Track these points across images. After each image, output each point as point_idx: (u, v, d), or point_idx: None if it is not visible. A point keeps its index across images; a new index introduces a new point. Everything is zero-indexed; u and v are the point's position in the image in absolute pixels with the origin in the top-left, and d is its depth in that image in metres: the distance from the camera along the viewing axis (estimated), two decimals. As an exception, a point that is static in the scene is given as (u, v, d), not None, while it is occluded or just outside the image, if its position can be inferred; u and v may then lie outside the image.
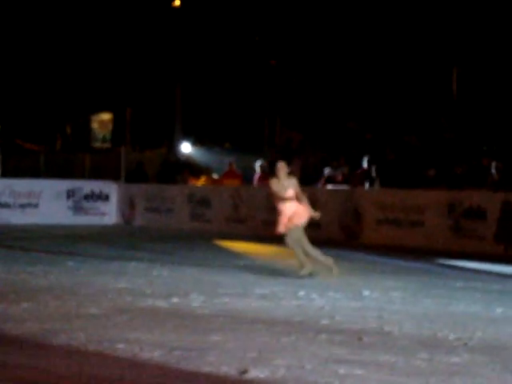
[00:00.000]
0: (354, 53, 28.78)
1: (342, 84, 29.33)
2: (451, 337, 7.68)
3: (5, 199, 23.47)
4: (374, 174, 20.26)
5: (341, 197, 19.47)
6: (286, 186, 12.41)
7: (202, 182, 25.09)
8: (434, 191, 18.04)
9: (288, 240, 12.38)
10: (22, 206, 23.63)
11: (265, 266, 13.79)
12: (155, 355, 6.55)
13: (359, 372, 6.20)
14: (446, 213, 17.10)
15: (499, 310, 9.42)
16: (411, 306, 9.59)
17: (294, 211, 12.37)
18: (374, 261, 15.14)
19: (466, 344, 7.37)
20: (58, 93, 35.97)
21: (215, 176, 25.51)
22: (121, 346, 6.86)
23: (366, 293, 10.55)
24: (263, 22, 31.70)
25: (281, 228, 12.41)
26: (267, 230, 20.60)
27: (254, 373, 6.04)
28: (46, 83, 36.15)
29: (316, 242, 18.34)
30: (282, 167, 12.51)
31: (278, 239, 18.82)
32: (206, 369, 6.14)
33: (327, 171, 21.19)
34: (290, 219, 12.34)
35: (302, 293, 10.36)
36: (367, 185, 20.32)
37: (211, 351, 6.75)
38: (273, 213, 20.69)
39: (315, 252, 12.44)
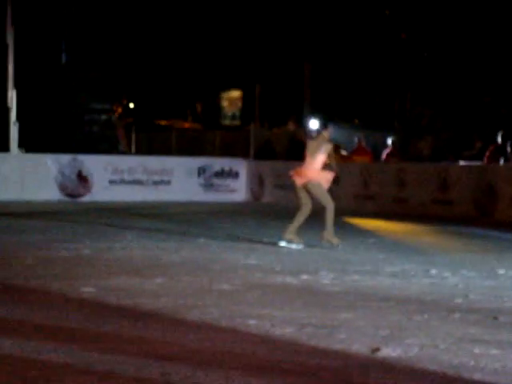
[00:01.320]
0: (484, 24, 27.98)
1: (474, 58, 28.58)
2: None
3: (138, 176, 24.05)
4: (508, 149, 19.71)
5: (474, 173, 19.03)
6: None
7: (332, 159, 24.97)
8: None
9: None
10: (155, 183, 24.16)
11: (395, 244, 13.64)
12: (286, 332, 6.56)
13: (495, 352, 6.04)
14: None
15: None
16: (549, 286, 9.28)
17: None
18: (509, 238, 14.73)
19: None
20: (188, 71, 36.52)
21: (344, 152, 25.34)
22: (252, 321, 6.91)
23: (501, 271, 10.27)
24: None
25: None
26: (397, 207, 20.44)
27: (386, 351, 5.97)
28: (177, 62, 36.75)
29: (449, 218, 18.11)
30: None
31: (409, 217, 18.64)
32: (337, 346, 6.11)
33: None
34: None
35: (433, 271, 10.18)
36: (502, 161, 19.79)
37: (342, 329, 6.71)
38: (402, 189, 20.59)
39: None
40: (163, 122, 34.60)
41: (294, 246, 12.55)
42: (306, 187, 12.80)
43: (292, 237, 12.72)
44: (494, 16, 27.74)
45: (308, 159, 12.96)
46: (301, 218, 12.83)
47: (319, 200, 12.73)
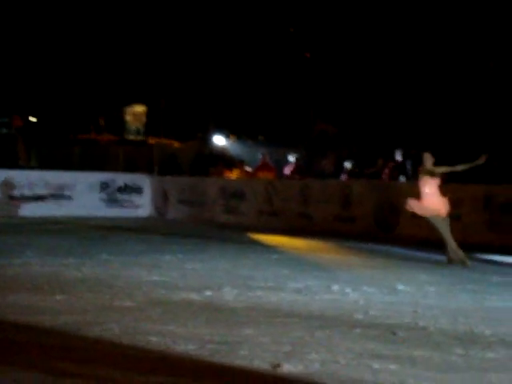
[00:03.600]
0: (389, 44, 28.59)
1: (375, 76, 29.14)
2: (487, 332, 7.59)
3: (39, 191, 23.63)
4: (408, 166, 20.13)
5: (376, 190, 19.36)
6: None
7: (235, 174, 25.08)
8: (469, 185, 17.87)
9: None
10: (57, 198, 23.78)
11: (298, 260, 13.74)
12: (188, 348, 6.53)
13: (393, 367, 6.13)
14: (482, 207, 16.94)
15: (535, 306, 9.30)
16: (446, 301, 9.50)
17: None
18: (409, 255, 15.02)
19: (502, 339, 7.28)
20: (92, 85, 36.15)
21: (249, 169, 25.49)
22: (154, 338, 6.85)
23: (401, 287, 10.46)
24: (297, 13, 31.58)
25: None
26: (301, 223, 20.63)
27: (287, 367, 6.00)
28: (80, 76, 36.33)
29: (351, 235, 18.36)
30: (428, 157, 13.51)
31: (311, 233, 18.82)
32: (239, 362, 6.11)
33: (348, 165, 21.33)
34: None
35: (336, 287, 10.30)
36: (401, 178, 20.19)
37: (244, 345, 6.72)
38: (306, 206, 20.81)
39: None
40: (71, 136, 34.11)
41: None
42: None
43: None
44: (395, 34, 28.35)
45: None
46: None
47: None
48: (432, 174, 13.41)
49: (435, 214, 13.34)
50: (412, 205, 13.63)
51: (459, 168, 13.76)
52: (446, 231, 13.32)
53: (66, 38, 36.02)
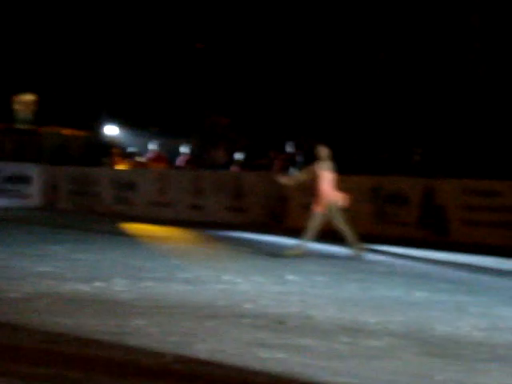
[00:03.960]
0: (281, 34, 28.80)
1: (269, 68, 29.34)
2: (372, 320, 7.77)
3: None
4: (299, 158, 20.36)
5: (267, 181, 19.52)
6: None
7: (126, 165, 24.86)
8: (357, 176, 18.21)
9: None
10: None
11: (189, 251, 13.75)
12: (76, 339, 6.46)
13: (281, 355, 6.22)
14: (370, 198, 17.30)
15: (419, 295, 9.57)
16: (334, 291, 9.67)
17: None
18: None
19: (386, 328, 7.47)
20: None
21: (141, 159, 25.30)
22: (41, 329, 6.75)
23: (290, 277, 10.60)
24: (191, 4, 31.48)
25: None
26: (193, 214, 20.63)
27: (172, 358, 6.00)
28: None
29: (242, 225, 18.46)
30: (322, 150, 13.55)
31: (204, 224, 18.84)
32: (127, 353, 6.08)
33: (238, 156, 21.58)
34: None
35: (226, 277, 10.35)
36: (291, 170, 20.41)
37: (133, 336, 6.69)
38: (198, 197, 20.82)
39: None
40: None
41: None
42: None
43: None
44: (291, 27, 28.58)
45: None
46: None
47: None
48: (328, 169, 13.49)
49: (334, 204, 13.42)
50: (314, 202, 13.63)
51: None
52: (343, 222, 13.44)
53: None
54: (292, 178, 13.83)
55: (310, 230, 13.25)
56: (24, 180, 24.16)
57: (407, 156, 18.69)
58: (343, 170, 18.28)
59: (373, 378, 5.67)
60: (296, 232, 17.03)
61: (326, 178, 13.46)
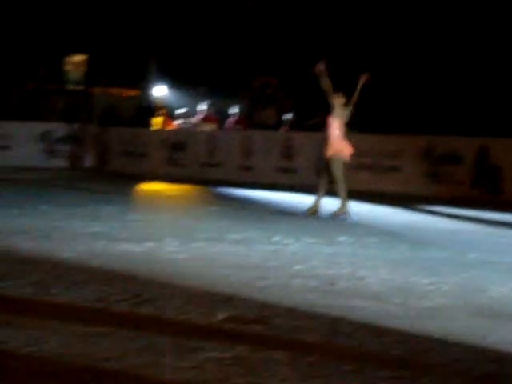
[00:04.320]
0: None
1: (318, 27, 29.07)
2: (424, 282, 7.71)
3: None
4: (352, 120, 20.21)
5: (316, 142, 19.40)
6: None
7: (175, 125, 24.90)
8: (410, 136, 18.04)
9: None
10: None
11: (239, 211, 13.78)
12: (123, 300, 6.51)
13: (331, 316, 6.20)
14: (422, 158, 17.14)
15: (472, 255, 9.48)
16: (385, 252, 9.62)
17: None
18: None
19: (438, 289, 7.41)
20: (32, 35, 35.46)
21: (192, 120, 25.30)
22: (89, 289, 6.82)
23: (341, 238, 10.56)
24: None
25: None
26: (243, 175, 20.64)
27: (221, 315, 6.01)
28: (19, 27, 35.59)
29: (291, 186, 18.44)
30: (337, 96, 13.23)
31: (251, 185, 18.86)
32: (175, 313, 6.11)
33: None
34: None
35: (276, 238, 10.35)
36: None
37: (184, 296, 6.72)
38: (248, 158, 20.82)
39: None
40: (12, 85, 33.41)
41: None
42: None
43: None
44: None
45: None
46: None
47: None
48: (342, 114, 13.19)
49: (338, 155, 13.14)
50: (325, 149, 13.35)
51: (355, 98, 13.37)
52: (342, 175, 13.17)
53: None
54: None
55: (342, 181, 12.99)
56: (75, 141, 24.37)
57: (461, 114, 18.45)
58: (395, 128, 18.12)
59: (425, 338, 5.63)
60: (347, 193, 16.98)
61: (335, 127, 13.18)
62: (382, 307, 6.62)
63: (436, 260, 9.14)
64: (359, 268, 8.35)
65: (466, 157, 16.53)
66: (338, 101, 13.17)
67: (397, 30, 25.66)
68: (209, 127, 23.17)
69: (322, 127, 20.69)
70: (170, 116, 24.93)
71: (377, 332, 5.76)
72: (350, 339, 5.54)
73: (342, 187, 12.90)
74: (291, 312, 6.29)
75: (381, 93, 22.09)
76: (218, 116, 23.97)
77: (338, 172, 12.94)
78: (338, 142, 13.05)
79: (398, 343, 5.48)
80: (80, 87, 32.99)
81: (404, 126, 19.21)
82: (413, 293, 7.21)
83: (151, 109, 26.05)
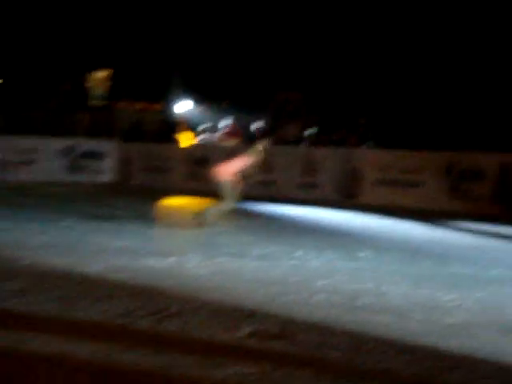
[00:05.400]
0: (353, 13, 28.54)
1: (341, 42, 29.12)
2: (447, 297, 7.69)
3: (3, 156, 23.40)
4: (371, 134, 20.23)
5: (338, 157, 19.42)
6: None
7: (196, 140, 24.97)
8: (432, 152, 18.02)
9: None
10: (19, 164, 23.57)
11: (262, 226, 13.79)
12: (149, 315, 6.54)
13: (354, 332, 6.19)
14: (444, 174, 17.10)
15: (495, 271, 9.43)
16: (408, 267, 9.60)
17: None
18: (369, 222, 15.12)
19: (462, 305, 7.38)
20: (57, 50, 35.78)
21: (215, 135, 25.35)
22: (113, 304, 6.85)
23: (362, 253, 10.55)
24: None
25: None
26: (263, 190, 20.67)
27: (244, 331, 6.02)
28: (43, 43, 35.93)
29: (313, 201, 18.44)
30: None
31: (273, 200, 18.87)
32: (198, 328, 6.13)
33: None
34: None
35: (298, 253, 10.36)
36: (365, 146, 20.30)
37: (205, 311, 6.74)
38: (267, 173, 20.84)
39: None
40: (36, 100, 33.71)
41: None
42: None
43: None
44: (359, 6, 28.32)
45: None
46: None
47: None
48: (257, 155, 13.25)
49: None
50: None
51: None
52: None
53: (31, 5, 35.55)
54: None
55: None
56: (98, 156, 24.51)
57: (484, 130, 18.42)
58: (417, 144, 18.10)
59: (448, 356, 5.62)
60: (369, 208, 16.97)
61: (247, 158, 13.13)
62: (405, 323, 6.60)
63: (459, 276, 9.10)
64: (381, 283, 8.34)
65: (488, 173, 16.48)
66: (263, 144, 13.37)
67: (423, 49, 25.67)
68: (232, 142, 23.20)
69: (345, 142, 20.78)
70: (193, 130, 25.03)
71: (400, 348, 5.76)
72: (373, 356, 5.54)
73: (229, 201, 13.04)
74: (314, 327, 6.29)
75: (404, 108, 22.09)
76: (241, 131, 24.01)
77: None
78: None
79: (421, 360, 5.48)
80: (104, 102, 33.24)
81: (426, 142, 19.20)
82: (436, 309, 7.20)
83: (174, 124, 26.19)
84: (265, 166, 20.90)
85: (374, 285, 8.26)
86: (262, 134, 22.80)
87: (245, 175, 13.14)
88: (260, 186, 20.89)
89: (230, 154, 13.30)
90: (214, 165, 13.17)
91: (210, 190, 21.05)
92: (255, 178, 20.92)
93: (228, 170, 13.01)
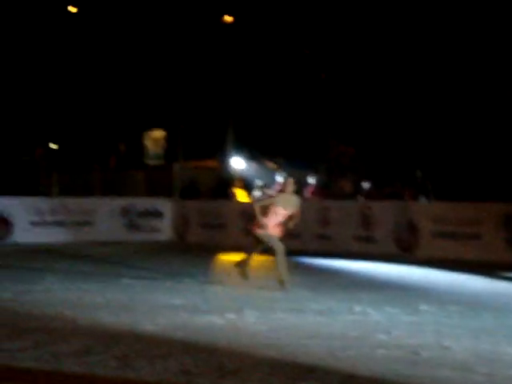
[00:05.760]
0: (404, 66, 28.61)
1: (393, 95, 29.16)
2: (510, 350, 7.54)
3: (60, 217, 23.73)
4: (428, 187, 20.10)
5: (395, 211, 19.31)
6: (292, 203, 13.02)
7: (250, 197, 25.06)
8: (489, 203, 17.83)
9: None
10: (78, 224, 23.87)
11: (320, 282, 13.71)
12: (207, 374, 6.52)
13: (417, 387, 6.10)
14: (502, 225, 16.88)
15: (560, 324, 9.23)
16: (469, 320, 9.44)
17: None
18: (430, 275, 14.95)
19: (526, 358, 7.23)
20: (111, 112, 36.41)
21: (269, 191, 25.45)
22: (172, 362, 6.84)
23: (423, 307, 10.41)
24: (313, 35, 31.69)
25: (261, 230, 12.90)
26: (319, 245, 20.59)
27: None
28: (100, 103, 36.61)
29: (370, 255, 18.31)
30: (289, 183, 13.19)
31: (330, 255, 18.78)
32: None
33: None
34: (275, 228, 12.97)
35: (357, 308, 10.27)
36: (423, 199, 20.16)
37: (264, 367, 6.70)
38: (326, 227, 20.79)
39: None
40: (92, 163, 34.31)
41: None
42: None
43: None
44: (407, 58, 28.39)
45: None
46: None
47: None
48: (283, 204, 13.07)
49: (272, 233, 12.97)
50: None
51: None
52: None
53: (86, 67, 36.34)
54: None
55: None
56: (156, 215, 24.72)
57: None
58: (473, 196, 17.94)
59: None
60: (427, 262, 16.78)
61: (277, 213, 12.99)
62: (469, 377, 6.48)
63: (522, 328, 8.93)
64: (443, 337, 8.21)
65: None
66: (290, 186, 13.23)
67: (480, 104, 25.60)
68: (315, 200, 23.24)
69: (398, 195, 20.66)
70: (247, 187, 25.14)
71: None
72: (437, 410, 5.44)
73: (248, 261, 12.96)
74: (376, 383, 6.20)
75: (460, 160, 21.97)
76: (324, 190, 24.04)
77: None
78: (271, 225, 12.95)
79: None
80: (160, 162, 33.62)
81: (483, 192, 19.02)
82: (500, 362, 7.06)
83: (230, 180, 26.36)
84: (321, 220, 20.89)
85: (436, 339, 8.14)
86: (314, 190, 22.83)
87: (286, 227, 13.13)
88: (317, 240, 20.82)
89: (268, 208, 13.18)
90: (254, 220, 13.12)
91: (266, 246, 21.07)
92: (312, 232, 20.90)
93: (268, 224, 12.97)
